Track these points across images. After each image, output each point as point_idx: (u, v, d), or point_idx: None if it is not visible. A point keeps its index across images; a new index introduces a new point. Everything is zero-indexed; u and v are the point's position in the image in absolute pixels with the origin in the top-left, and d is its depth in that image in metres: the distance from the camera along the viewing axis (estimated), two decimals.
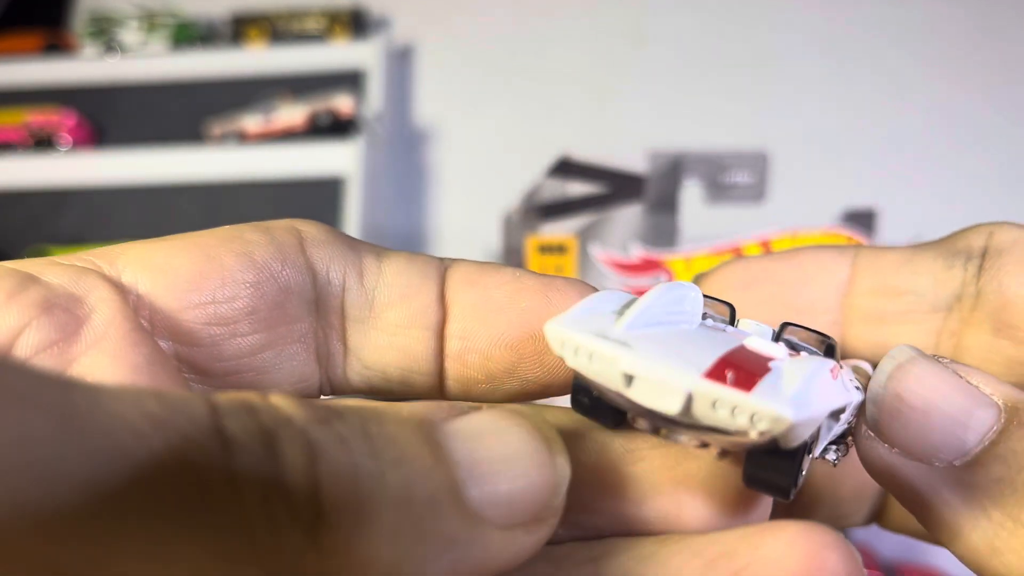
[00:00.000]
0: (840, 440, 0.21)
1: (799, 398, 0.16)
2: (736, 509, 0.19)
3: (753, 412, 0.16)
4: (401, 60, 1.20)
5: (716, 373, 0.16)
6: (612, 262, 0.76)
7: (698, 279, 0.28)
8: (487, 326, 0.23)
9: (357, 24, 1.17)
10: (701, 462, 0.20)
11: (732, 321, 0.21)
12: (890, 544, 0.94)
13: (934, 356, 0.20)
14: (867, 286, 0.27)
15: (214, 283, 0.21)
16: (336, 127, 1.07)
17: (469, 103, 1.17)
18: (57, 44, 1.21)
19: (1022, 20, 1.08)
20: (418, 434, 0.16)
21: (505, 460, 0.16)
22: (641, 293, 0.22)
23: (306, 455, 0.13)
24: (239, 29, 1.19)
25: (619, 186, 0.76)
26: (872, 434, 0.20)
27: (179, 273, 0.21)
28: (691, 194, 0.77)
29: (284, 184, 1.07)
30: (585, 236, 0.77)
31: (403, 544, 0.14)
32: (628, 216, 0.77)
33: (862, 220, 0.75)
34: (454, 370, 0.24)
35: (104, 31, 1.19)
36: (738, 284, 0.28)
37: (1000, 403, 0.19)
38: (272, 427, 0.13)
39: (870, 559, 0.84)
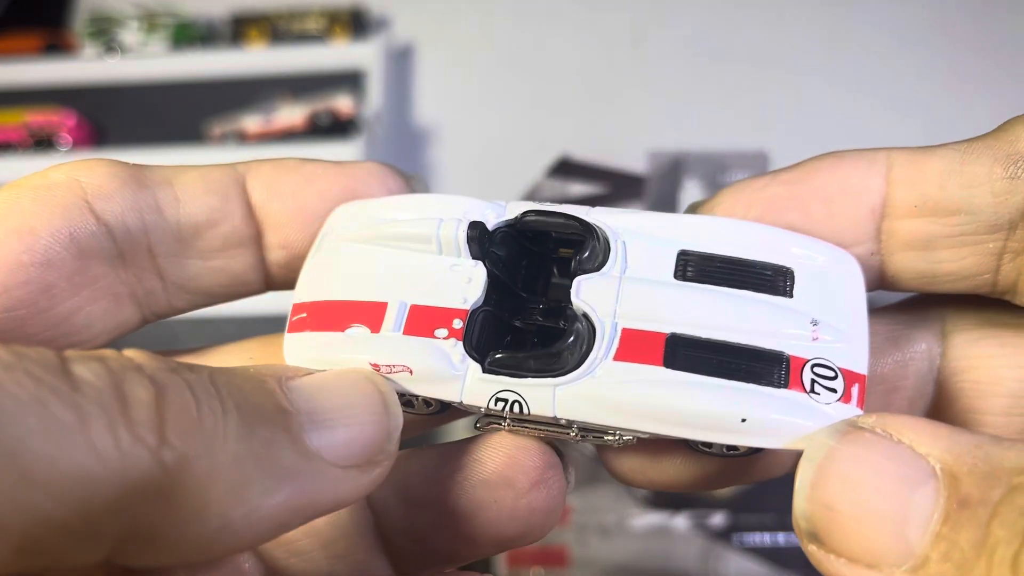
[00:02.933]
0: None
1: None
2: None
3: None
4: (401, 60, 1.20)
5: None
6: None
7: (694, 208, 0.26)
8: (306, 233, 0.25)
9: (357, 24, 1.17)
10: None
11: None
12: None
13: (854, 424, 0.19)
14: (908, 205, 0.23)
15: (2, 271, 0.21)
16: (336, 127, 1.07)
17: (469, 103, 1.17)
18: (57, 44, 1.21)
19: (1023, 21, 1.07)
20: (263, 386, 0.18)
21: (342, 410, 0.19)
22: None
23: (152, 393, 0.16)
24: (239, 29, 1.19)
25: (619, 186, 0.76)
26: (814, 547, 0.19)
27: None
28: (691, 194, 0.77)
29: None
30: None
31: (245, 471, 0.17)
32: None
33: None
34: (282, 276, 0.26)
35: (104, 31, 1.19)
36: (749, 214, 0.24)
37: (938, 468, 0.17)
38: (119, 371, 0.16)
39: None
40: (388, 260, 0.23)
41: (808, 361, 0.21)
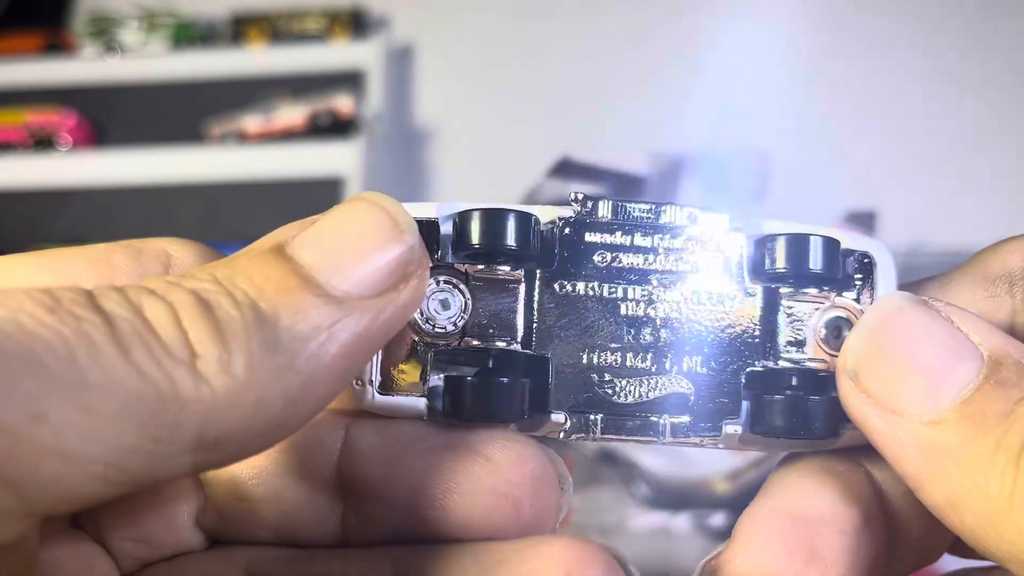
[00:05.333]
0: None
1: None
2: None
3: None
4: (401, 60, 1.20)
5: None
6: None
7: None
8: None
9: (357, 24, 1.17)
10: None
11: None
12: None
13: (926, 300, 0.20)
14: None
15: None
16: (336, 127, 1.07)
17: (469, 103, 1.17)
18: (57, 44, 1.21)
19: (1022, 21, 1.08)
20: (268, 258, 0.19)
21: (353, 245, 0.19)
22: None
23: (169, 313, 0.17)
24: (239, 29, 1.19)
25: (619, 186, 0.76)
26: (850, 384, 0.20)
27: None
28: (692, 195, 0.77)
29: (284, 184, 1.07)
30: None
31: (284, 348, 0.17)
32: None
33: (862, 221, 0.75)
34: None
35: (104, 31, 1.19)
36: None
37: (985, 354, 0.19)
38: (136, 298, 0.17)
39: None
40: None
41: None
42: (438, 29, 1.21)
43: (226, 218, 1.07)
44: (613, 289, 0.21)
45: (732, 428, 0.22)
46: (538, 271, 0.21)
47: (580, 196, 0.21)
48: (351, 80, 1.12)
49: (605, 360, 0.22)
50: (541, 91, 1.15)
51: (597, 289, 0.21)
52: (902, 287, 0.25)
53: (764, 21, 1.13)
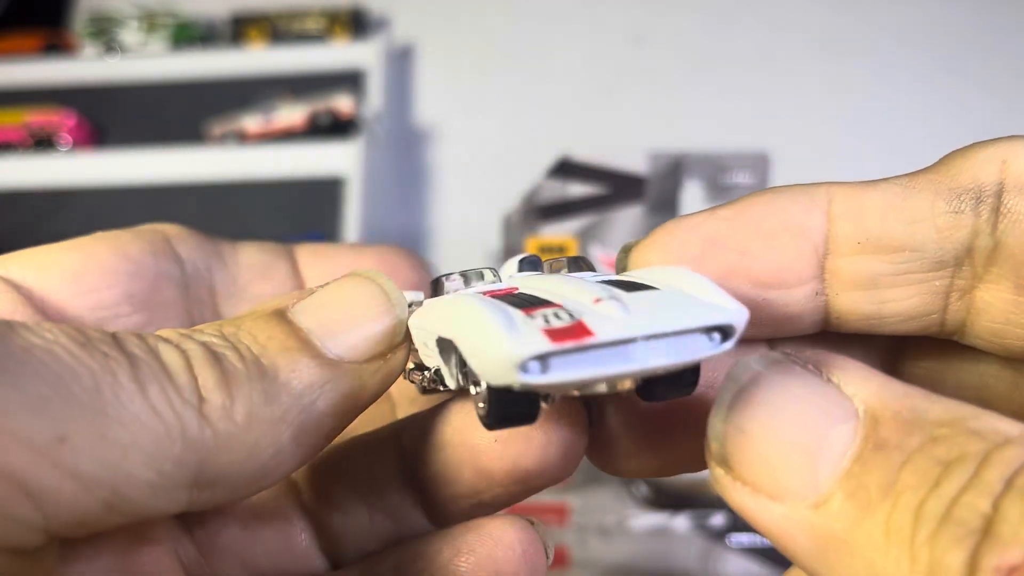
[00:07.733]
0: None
1: None
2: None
3: None
4: (401, 60, 1.20)
5: None
6: (612, 263, 0.76)
7: (630, 247, 0.25)
8: None
9: (357, 24, 1.17)
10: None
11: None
12: None
13: (785, 355, 0.18)
14: (850, 243, 0.21)
15: (95, 274, 0.26)
16: (336, 127, 1.07)
17: (469, 103, 1.17)
18: (57, 44, 1.21)
19: (1023, 22, 1.07)
20: (271, 320, 0.21)
21: (350, 313, 0.21)
22: None
23: (183, 359, 0.18)
24: (239, 29, 1.19)
25: (619, 187, 0.76)
26: (722, 472, 0.17)
27: (63, 268, 0.26)
28: (692, 195, 0.77)
29: (284, 184, 1.07)
30: (585, 237, 0.76)
31: (281, 401, 0.19)
32: (628, 217, 0.77)
33: None
34: None
35: (104, 31, 1.19)
36: (686, 253, 0.23)
37: (860, 409, 0.16)
38: (154, 343, 0.19)
39: None
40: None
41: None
42: (438, 29, 1.21)
43: (226, 218, 1.07)
44: None
45: None
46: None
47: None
48: (351, 80, 1.12)
49: None
50: (541, 91, 1.14)
51: None
52: (850, 187, 0.21)
53: (765, 21, 1.13)
